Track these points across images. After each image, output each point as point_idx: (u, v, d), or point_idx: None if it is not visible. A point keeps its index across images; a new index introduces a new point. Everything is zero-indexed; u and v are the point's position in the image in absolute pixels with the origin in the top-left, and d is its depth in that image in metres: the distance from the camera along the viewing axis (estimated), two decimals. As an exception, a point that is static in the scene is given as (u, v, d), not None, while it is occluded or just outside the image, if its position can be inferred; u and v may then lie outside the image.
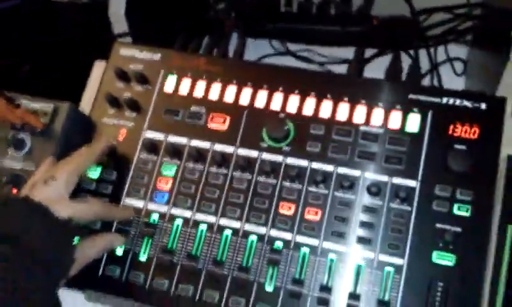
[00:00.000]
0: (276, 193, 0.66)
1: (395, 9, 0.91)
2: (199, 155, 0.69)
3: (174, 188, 0.69)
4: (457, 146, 0.64)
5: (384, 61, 0.82)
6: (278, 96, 0.71)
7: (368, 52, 0.89)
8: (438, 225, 0.62)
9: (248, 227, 0.65)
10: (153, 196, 0.69)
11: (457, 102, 0.66)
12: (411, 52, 0.85)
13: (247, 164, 0.67)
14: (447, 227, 0.61)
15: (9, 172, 0.70)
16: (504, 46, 0.66)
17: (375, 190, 0.64)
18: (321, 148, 0.67)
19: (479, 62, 0.83)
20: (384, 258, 0.62)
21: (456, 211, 0.62)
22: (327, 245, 0.63)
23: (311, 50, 0.97)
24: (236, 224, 0.66)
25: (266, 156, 0.68)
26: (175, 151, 0.70)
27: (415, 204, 0.63)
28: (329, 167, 0.66)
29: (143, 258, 0.66)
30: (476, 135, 0.64)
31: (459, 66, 0.90)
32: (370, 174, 0.65)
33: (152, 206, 0.68)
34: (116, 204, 0.69)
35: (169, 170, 0.69)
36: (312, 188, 0.66)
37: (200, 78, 0.74)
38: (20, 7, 0.97)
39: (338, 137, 0.67)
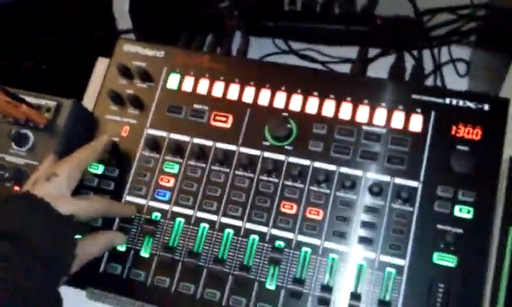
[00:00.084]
0: (278, 192, 0.66)
1: (399, 10, 0.91)
2: (201, 153, 0.69)
3: (176, 186, 0.69)
4: (460, 147, 0.64)
5: (388, 60, 0.81)
6: (281, 95, 0.71)
7: (372, 52, 0.89)
8: (440, 226, 0.62)
9: (250, 226, 0.65)
10: (155, 193, 0.69)
11: (460, 102, 0.66)
12: (415, 52, 0.85)
13: (249, 163, 0.67)
14: (449, 228, 0.61)
15: (12, 167, 0.70)
16: (507, 47, 0.66)
17: (377, 190, 0.64)
18: (323, 147, 0.67)
19: (483, 63, 0.83)
20: (385, 258, 0.62)
21: (457, 212, 0.62)
22: (328, 244, 0.63)
23: (314, 49, 0.97)
24: (238, 223, 0.66)
25: (268, 155, 0.68)
26: (177, 149, 0.70)
27: (417, 204, 0.63)
28: (331, 167, 0.66)
29: (144, 255, 0.66)
30: (479, 136, 0.64)
31: (462, 67, 0.90)
32: (372, 174, 0.65)
33: (153, 203, 0.68)
34: (118, 201, 0.69)
35: (172, 168, 0.69)
36: (314, 188, 0.66)
37: (203, 76, 0.73)
38: (25, 4, 0.97)
39: (340, 136, 0.67)
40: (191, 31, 0.85)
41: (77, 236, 0.63)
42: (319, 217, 0.65)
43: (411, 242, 0.62)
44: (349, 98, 0.69)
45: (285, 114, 0.69)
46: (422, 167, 0.64)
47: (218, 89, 0.72)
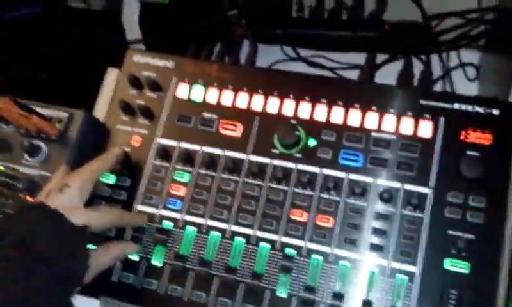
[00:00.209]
0: (288, 200, 0.67)
1: (407, 15, 0.91)
2: (211, 162, 0.69)
3: (187, 194, 0.69)
4: (470, 152, 0.64)
5: (396, 66, 0.82)
6: (289, 103, 0.71)
7: (380, 58, 0.89)
8: (451, 232, 0.62)
9: (260, 234, 0.66)
10: (167, 202, 0.69)
11: (470, 107, 0.66)
12: (423, 57, 0.85)
13: (258, 171, 0.68)
14: (460, 234, 0.61)
15: (26, 178, 0.71)
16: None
17: (387, 196, 0.64)
18: (333, 154, 0.67)
19: (492, 67, 0.83)
20: (396, 265, 0.62)
21: (468, 218, 0.62)
22: (339, 252, 0.64)
23: (323, 55, 0.97)
24: (248, 231, 0.66)
25: (278, 162, 0.68)
26: (188, 158, 0.70)
27: (428, 211, 0.63)
28: (340, 174, 0.67)
29: (156, 264, 0.67)
30: (489, 141, 0.64)
31: (471, 71, 0.90)
32: (382, 181, 0.65)
33: (165, 212, 0.69)
34: (130, 210, 0.70)
35: (182, 177, 0.70)
36: (324, 195, 0.66)
37: (211, 85, 0.74)
38: (35, 17, 0.98)
39: (349, 143, 0.67)
40: (200, 41, 0.85)
41: (90, 247, 0.63)
42: (330, 225, 0.65)
43: (422, 248, 0.62)
44: (357, 105, 0.69)
45: (293, 121, 0.70)
46: (432, 173, 0.64)
47: (227, 98, 0.73)
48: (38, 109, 0.72)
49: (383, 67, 0.89)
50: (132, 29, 0.86)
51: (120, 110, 0.74)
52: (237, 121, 0.72)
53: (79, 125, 0.72)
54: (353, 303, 0.61)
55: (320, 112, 0.70)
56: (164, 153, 0.71)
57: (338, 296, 0.61)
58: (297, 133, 0.68)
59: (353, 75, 0.92)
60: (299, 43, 0.98)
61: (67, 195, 0.61)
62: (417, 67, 0.81)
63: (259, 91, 0.72)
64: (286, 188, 0.67)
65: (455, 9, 0.89)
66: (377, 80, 0.82)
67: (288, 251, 0.64)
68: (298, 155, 0.68)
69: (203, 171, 0.70)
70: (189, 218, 0.68)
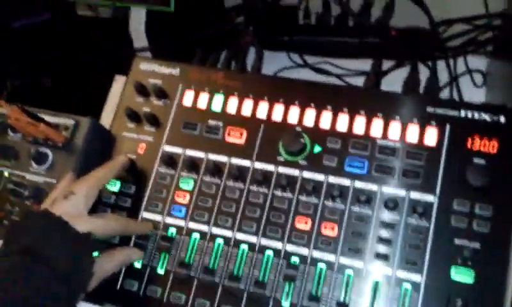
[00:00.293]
0: (293, 207, 0.66)
1: (414, 21, 0.91)
2: (216, 169, 0.69)
3: (191, 202, 0.69)
4: (476, 160, 0.63)
5: (402, 73, 0.81)
6: (294, 110, 0.71)
7: (386, 64, 0.88)
8: (457, 241, 0.61)
9: (265, 242, 0.66)
10: (171, 209, 0.69)
11: (476, 115, 0.65)
12: (430, 63, 0.84)
13: (263, 178, 0.68)
14: (466, 243, 0.61)
15: (32, 186, 0.71)
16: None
17: (392, 205, 0.63)
18: (338, 162, 0.67)
19: (500, 73, 0.82)
20: (401, 274, 0.61)
21: (474, 226, 0.61)
22: (344, 260, 0.63)
23: (329, 62, 0.97)
24: (252, 239, 0.66)
25: (282, 170, 0.68)
26: (193, 165, 0.70)
27: (433, 219, 0.62)
28: (346, 182, 0.66)
29: (160, 271, 0.67)
30: (495, 149, 0.63)
31: (479, 77, 0.89)
32: (388, 189, 0.65)
33: (169, 220, 0.69)
34: (134, 217, 0.70)
35: (187, 184, 0.70)
36: (329, 203, 0.66)
37: (217, 93, 0.74)
38: (42, 25, 0.99)
39: (355, 150, 0.67)
40: (206, 48, 0.86)
41: (95, 254, 0.63)
42: (334, 233, 0.64)
43: (427, 257, 0.61)
44: (362, 112, 0.69)
45: (298, 129, 0.70)
46: (438, 181, 0.64)
47: (232, 105, 0.73)
48: (45, 116, 0.73)
49: (389, 74, 0.88)
50: (139, 37, 0.87)
51: (126, 117, 0.75)
52: (242, 128, 0.72)
53: (85, 132, 0.73)
54: (358, 312, 0.61)
55: (326, 120, 0.69)
56: (170, 160, 0.71)
57: (343, 305, 0.61)
58: (302, 140, 0.68)
59: (360, 81, 0.91)
60: (305, 49, 0.98)
61: (72, 202, 0.62)
62: (424, 74, 0.80)
63: (264, 98, 0.72)
64: (291, 195, 0.67)
65: (462, 15, 0.88)
66: (384, 87, 0.82)
67: (293, 259, 0.64)
68: (303, 163, 0.68)
69: (208, 178, 0.70)
70: (193, 225, 0.68)
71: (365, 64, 0.90)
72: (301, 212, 0.66)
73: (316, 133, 0.69)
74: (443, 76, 0.85)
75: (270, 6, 1.01)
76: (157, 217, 0.70)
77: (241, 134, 0.71)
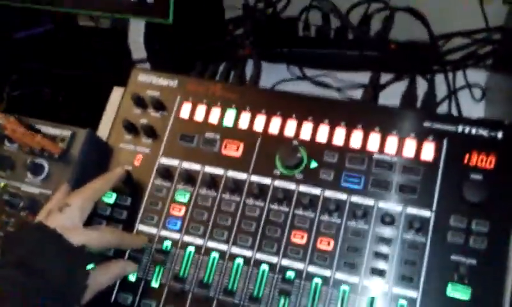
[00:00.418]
0: (289, 221, 0.66)
1: (413, 34, 0.91)
2: (212, 182, 0.69)
3: (187, 215, 0.69)
4: (473, 176, 0.63)
5: (401, 86, 0.81)
6: (292, 123, 0.70)
7: (385, 78, 0.88)
8: (453, 257, 0.60)
9: (260, 256, 0.65)
10: (167, 222, 0.69)
11: (473, 130, 0.65)
12: (429, 77, 0.84)
13: (260, 192, 0.67)
14: (462, 259, 0.60)
15: (27, 197, 0.71)
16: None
17: (389, 220, 0.63)
18: (334, 176, 0.67)
19: (499, 87, 0.82)
20: (397, 290, 0.61)
21: (471, 243, 0.60)
22: (339, 276, 0.63)
23: (328, 75, 0.97)
24: (248, 253, 0.65)
25: (279, 183, 0.68)
26: (189, 178, 0.70)
27: (430, 235, 0.62)
28: (342, 196, 0.66)
29: (155, 285, 0.66)
30: (492, 165, 0.63)
31: (478, 92, 0.89)
32: (384, 204, 0.64)
33: (164, 233, 0.69)
34: (130, 230, 0.70)
35: (183, 196, 0.70)
36: (325, 217, 0.65)
37: (215, 105, 0.74)
38: (41, 37, 1.00)
39: (351, 165, 0.67)
40: (205, 60, 0.86)
41: (90, 266, 0.63)
42: (330, 248, 0.64)
43: (424, 273, 0.61)
44: (359, 126, 0.68)
45: (295, 142, 0.69)
46: (435, 196, 0.63)
47: (229, 118, 0.73)
48: (42, 127, 0.73)
49: (387, 87, 0.88)
50: (138, 49, 0.87)
51: (124, 129, 0.75)
52: (239, 141, 0.71)
53: (82, 143, 0.73)
54: (353, 328, 0.60)
55: (323, 133, 0.69)
56: (166, 173, 0.71)
57: (338, 321, 0.61)
58: (299, 154, 0.68)
59: (359, 94, 0.91)
60: (305, 62, 0.98)
61: (67, 214, 0.61)
62: (423, 87, 0.80)
63: (262, 111, 0.72)
64: (287, 209, 0.67)
65: (462, 29, 0.88)
66: (382, 101, 0.81)
67: (288, 274, 0.64)
68: (300, 176, 0.68)
69: (204, 191, 0.70)
70: (188, 239, 0.68)
71: (365, 77, 0.90)
72: (297, 226, 0.65)
73: (313, 147, 0.69)
74: (442, 90, 0.85)
75: (270, 18, 1.01)
76: (152, 230, 0.69)
77: (238, 147, 0.71)
